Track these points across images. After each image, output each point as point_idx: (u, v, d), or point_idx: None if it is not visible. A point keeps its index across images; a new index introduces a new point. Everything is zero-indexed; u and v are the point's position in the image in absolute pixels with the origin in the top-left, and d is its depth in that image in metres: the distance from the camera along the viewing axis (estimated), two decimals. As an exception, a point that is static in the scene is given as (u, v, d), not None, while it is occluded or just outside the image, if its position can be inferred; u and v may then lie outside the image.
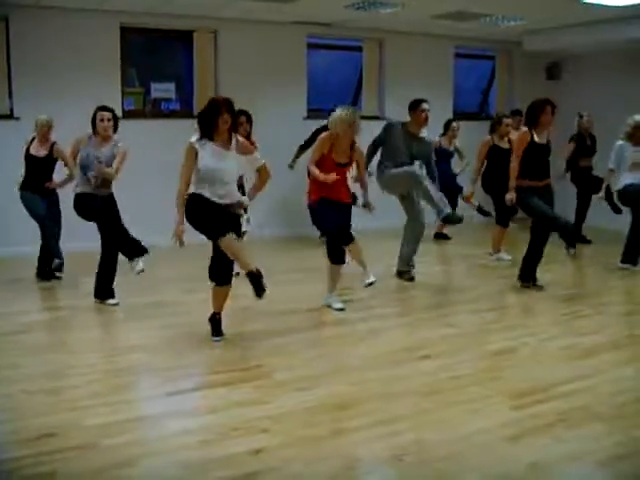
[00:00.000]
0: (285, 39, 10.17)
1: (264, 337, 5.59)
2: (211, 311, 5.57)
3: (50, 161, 7.32)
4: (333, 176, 6.08)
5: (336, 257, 6.37)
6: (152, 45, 10.24)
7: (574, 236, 7.28)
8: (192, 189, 5.31)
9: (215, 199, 5.24)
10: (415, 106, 7.46)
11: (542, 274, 7.16)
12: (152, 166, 9.02)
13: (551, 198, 7.01)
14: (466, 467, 3.51)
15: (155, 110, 9.85)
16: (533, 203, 6.86)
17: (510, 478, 3.44)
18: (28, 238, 7.65)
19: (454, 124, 9.78)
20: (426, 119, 7.45)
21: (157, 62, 10.37)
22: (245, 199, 5.53)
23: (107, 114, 6.44)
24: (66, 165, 7.27)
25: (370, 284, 6.30)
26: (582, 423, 4.00)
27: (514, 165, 6.84)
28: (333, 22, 10.13)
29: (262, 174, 5.61)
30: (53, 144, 7.31)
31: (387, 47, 11.07)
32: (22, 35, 8.62)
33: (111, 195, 6.54)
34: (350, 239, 6.24)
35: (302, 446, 3.70)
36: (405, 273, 7.60)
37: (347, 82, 11.38)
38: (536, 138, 6.81)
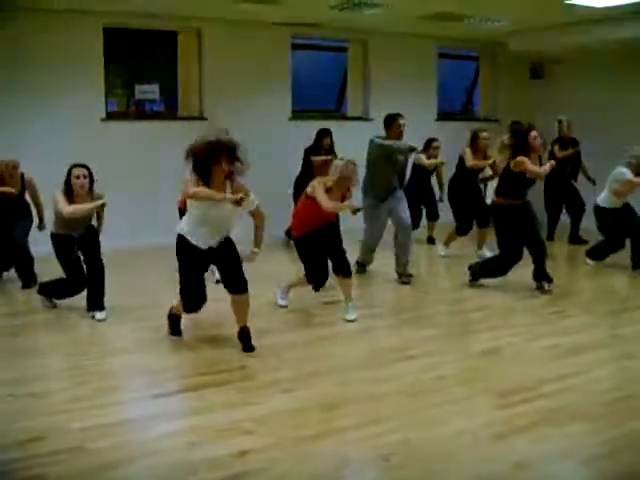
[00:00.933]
0: (270, 40, 10.14)
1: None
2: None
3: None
4: (344, 205, 6.17)
5: (317, 284, 6.46)
6: (136, 46, 10.20)
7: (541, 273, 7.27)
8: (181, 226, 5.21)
9: (200, 244, 5.12)
10: (391, 122, 7.42)
11: (527, 274, 7.20)
12: (136, 168, 9.00)
13: (530, 212, 7.06)
14: (452, 466, 3.53)
15: (139, 112, 9.82)
16: (506, 231, 6.98)
17: (495, 477, 3.46)
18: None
19: (435, 143, 9.59)
20: (401, 134, 7.43)
21: (141, 63, 10.32)
22: (256, 250, 5.45)
23: (82, 170, 6.03)
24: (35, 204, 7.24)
25: (350, 321, 6.17)
26: (567, 422, 4.03)
27: (534, 169, 6.79)
28: (318, 23, 10.13)
29: (257, 218, 5.40)
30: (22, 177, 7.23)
31: (371, 48, 11.06)
32: (4, 37, 8.54)
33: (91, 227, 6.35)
34: (349, 273, 6.29)
35: (288, 447, 3.71)
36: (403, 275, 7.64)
37: (331, 83, 11.39)
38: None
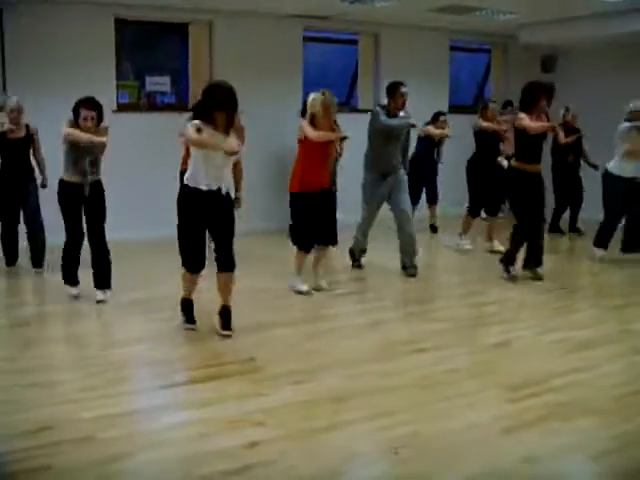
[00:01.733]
0: (281, 32, 10.13)
1: (258, 330, 5.59)
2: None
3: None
4: (331, 135, 6.28)
5: (302, 244, 6.53)
6: (147, 38, 10.21)
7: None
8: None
9: (202, 186, 5.21)
10: (394, 89, 7.33)
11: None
12: (146, 159, 9.01)
13: (541, 186, 7.05)
14: (462, 460, 3.53)
15: (150, 103, 9.83)
16: (520, 197, 6.96)
17: (505, 471, 3.46)
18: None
19: (442, 117, 9.79)
20: (404, 103, 7.34)
21: (152, 55, 10.33)
22: (238, 195, 5.58)
23: (90, 113, 6.10)
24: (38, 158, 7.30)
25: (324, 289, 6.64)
26: (576, 416, 4.02)
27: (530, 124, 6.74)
28: (329, 15, 10.11)
29: (237, 169, 5.72)
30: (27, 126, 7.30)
31: (383, 40, 11.04)
32: (16, 28, 8.57)
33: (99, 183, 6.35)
34: (336, 242, 6.57)
35: (298, 439, 3.71)
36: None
37: (342, 76, 11.36)
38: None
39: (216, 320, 5.51)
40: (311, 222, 6.44)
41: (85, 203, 6.21)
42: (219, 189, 5.25)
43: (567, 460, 3.60)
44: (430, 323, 5.91)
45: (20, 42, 8.60)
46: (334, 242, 6.68)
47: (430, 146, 9.88)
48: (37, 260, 7.36)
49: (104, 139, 6.12)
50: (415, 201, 9.53)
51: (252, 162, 9.40)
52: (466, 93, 12.56)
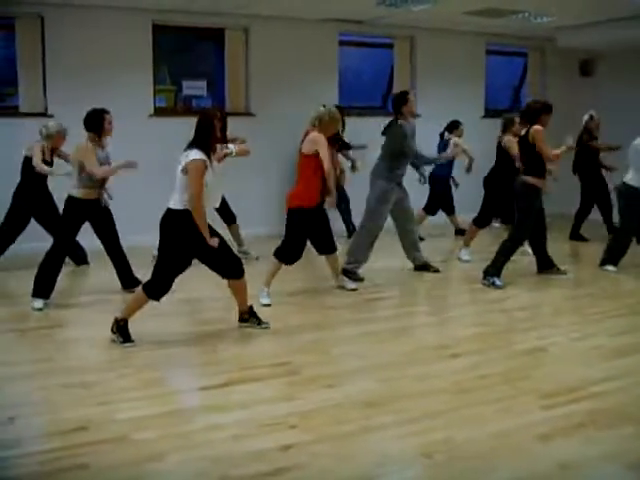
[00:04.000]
0: (316, 37, 10.17)
1: (291, 334, 5.61)
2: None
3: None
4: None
5: (291, 260, 6.51)
6: (184, 43, 10.30)
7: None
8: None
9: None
10: (405, 98, 7.37)
11: (570, 272, 7.15)
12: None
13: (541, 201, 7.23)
14: (496, 466, 3.51)
15: (186, 108, 9.91)
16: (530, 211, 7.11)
17: (539, 478, 3.43)
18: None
19: (462, 126, 9.72)
20: (414, 111, 7.58)
21: (189, 60, 10.42)
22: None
23: (111, 116, 6.47)
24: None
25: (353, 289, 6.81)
26: (613, 424, 3.97)
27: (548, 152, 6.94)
28: (365, 19, 10.12)
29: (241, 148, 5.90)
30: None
31: (418, 44, 11.01)
32: (57, 33, 8.71)
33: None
34: (333, 249, 6.65)
35: (331, 442, 3.72)
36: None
37: (378, 80, 11.36)
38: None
39: (250, 321, 5.63)
40: (306, 237, 6.54)
41: (97, 217, 6.49)
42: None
43: (603, 468, 3.56)
44: (463, 328, 5.88)
45: (60, 48, 8.74)
46: (334, 250, 6.71)
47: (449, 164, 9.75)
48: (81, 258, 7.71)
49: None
50: (451, 209, 9.94)
51: (291, 165, 9.46)
52: (502, 97, 12.48)
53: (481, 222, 8.54)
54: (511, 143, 8.31)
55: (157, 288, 5.25)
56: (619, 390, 4.48)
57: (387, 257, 8.05)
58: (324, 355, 5.16)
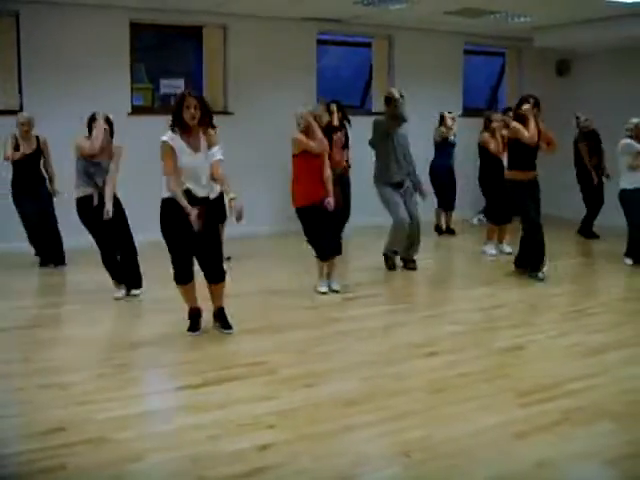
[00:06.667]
0: (295, 35, 10.15)
1: (270, 333, 5.59)
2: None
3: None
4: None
5: (327, 254, 6.67)
6: (161, 41, 10.24)
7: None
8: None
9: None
10: (387, 100, 7.56)
11: (549, 270, 7.17)
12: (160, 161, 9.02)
13: (537, 192, 7.29)
14: (473, 464, 3.51)
15: (164, 106, 9.85)
16: (522, 201, 7.20)
17: (517, 475, 3.44)
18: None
19: (446, 113, 9.95)
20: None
21: (166, 58, 10.37)
22: (232, 196, 5.47)
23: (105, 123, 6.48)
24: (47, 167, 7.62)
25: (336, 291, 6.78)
26: (590, 421, 3.99)
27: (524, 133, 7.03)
28: (343, 18, 10.11)
29: (215, 169, 5.36)
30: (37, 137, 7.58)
31: (397, 43, 11.03)
32: (32, 31, 8.63)
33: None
34: (339, 252, 6.72)
35: (309, 442, 3.71)
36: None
37: (356, 79, 11.35)
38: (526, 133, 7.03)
39: (214, 323, 5.64)
40: (322, 231, 6.56)
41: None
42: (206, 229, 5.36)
43: (581, 465, 3.58)
44: (442, 327, 5.90)
45: (36, 44, 8.65)
46: (339, 252, 6.78)
47: (448, 153, 9.94)
48: (59, 259, 7.64)
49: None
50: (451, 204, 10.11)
51: (269, 165, 9.44)
52: (480, 96, 12.52)
53: (495, 219, 8.63)
54: (486, 139, 8.43)
55: (175, 273, 5.47)
56: (596, 387, 4.50)
57: (370, 255, 8.09)
58: (302, 354, 5.15)
